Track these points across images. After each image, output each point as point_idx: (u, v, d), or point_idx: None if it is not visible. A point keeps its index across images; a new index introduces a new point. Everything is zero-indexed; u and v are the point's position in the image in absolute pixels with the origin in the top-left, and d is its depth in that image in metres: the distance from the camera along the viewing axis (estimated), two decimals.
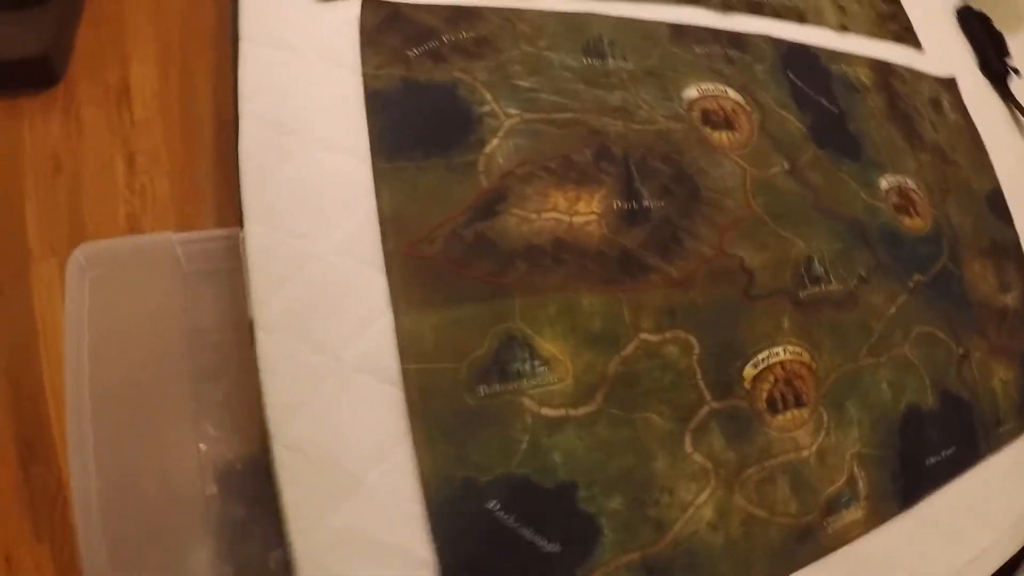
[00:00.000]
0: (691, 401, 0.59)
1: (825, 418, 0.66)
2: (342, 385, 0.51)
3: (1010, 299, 0.92)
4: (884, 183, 0.83)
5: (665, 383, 0.58)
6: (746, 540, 0.58)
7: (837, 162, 0.79)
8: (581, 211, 0.62)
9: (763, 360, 0.64)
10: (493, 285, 0.54)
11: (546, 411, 0.52)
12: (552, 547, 0.49)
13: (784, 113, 0.77)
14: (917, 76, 0.96)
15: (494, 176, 0.59)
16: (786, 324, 0.66)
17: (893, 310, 0.76)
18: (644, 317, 0.60)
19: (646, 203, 0.64)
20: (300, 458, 0.49)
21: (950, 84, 1.01)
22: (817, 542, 0.62)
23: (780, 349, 0.65)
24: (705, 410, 0.60)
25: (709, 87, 0.73)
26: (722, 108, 0.73)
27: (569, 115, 0.65)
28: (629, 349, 0.58)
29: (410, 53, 0.63)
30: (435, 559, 0.47)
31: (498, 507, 0.48)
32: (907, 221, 0.82)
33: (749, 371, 0.63)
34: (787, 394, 0.64)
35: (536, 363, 0.52)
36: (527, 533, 0.48)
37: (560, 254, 0.59)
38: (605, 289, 0.59)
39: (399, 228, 0.54)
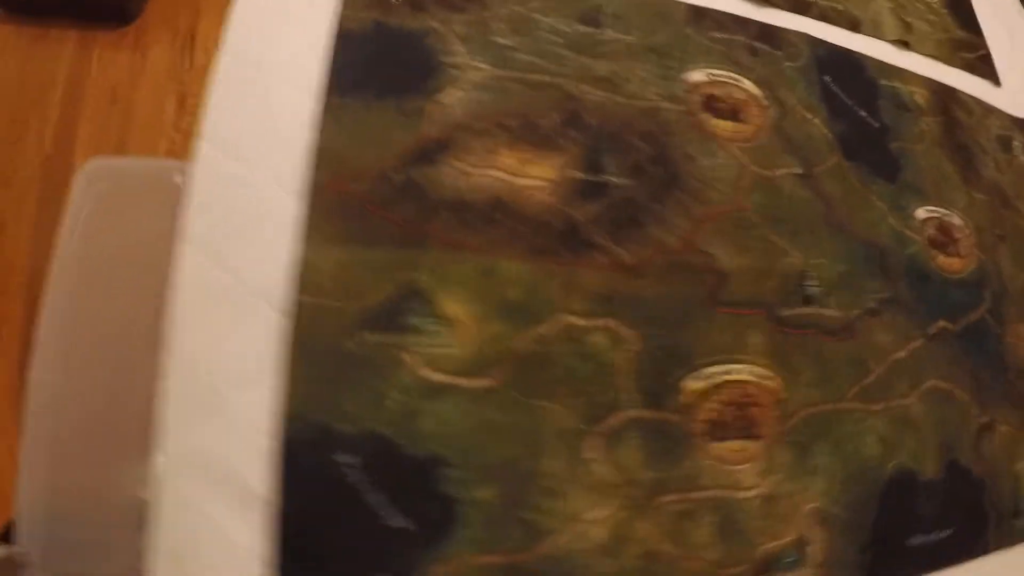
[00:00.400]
0: (608, 401, 0.50)
1: (783, 459, 0.55)
2: (238, 306, 0.49)
3: None
4: (922, 212, 0.70)
5: (582, 374, 0.50)
6: None
7: (866, 178, 0.67)
8: (531, 174, 0.54)
9: (714, 375, 0.54)
10: (409, 232, 0.48)
11: (432, 374, 0.45)
12: (402, 522, 0.42)
13: (809, 115, 0.67)
14: (986, 109, 0.82)
15: (444, 125, 0.53)
16: (756, 341, 0.56)
17: (903, 354, 0.63)
18: (575, 298, 0.51)
19: (610, 178, 0.56)
20: (185, 371, 0.46)
21: None
22: None
23: (742, 368, 0.55)
24: (624, 415, 0.51)
25: (719, 73, 0.64)
26: (731, 97, 0.63)
27: (545, 77, 0.58)
28: (548, 328, 0.50)
29: None
30: (275, 501, 0.42)
31: (353, 463, 0.42)
32: (942, 259, 0.69)
33: (693, 384, 0.53)
34: (737, 420, 0.54)
35: (434, 321, 0.46)
36: (378, 499, 0.42)
37: (494, 214, 0.52)
38: (536, 259, 0.51)
39: (332, 163, 0.50)
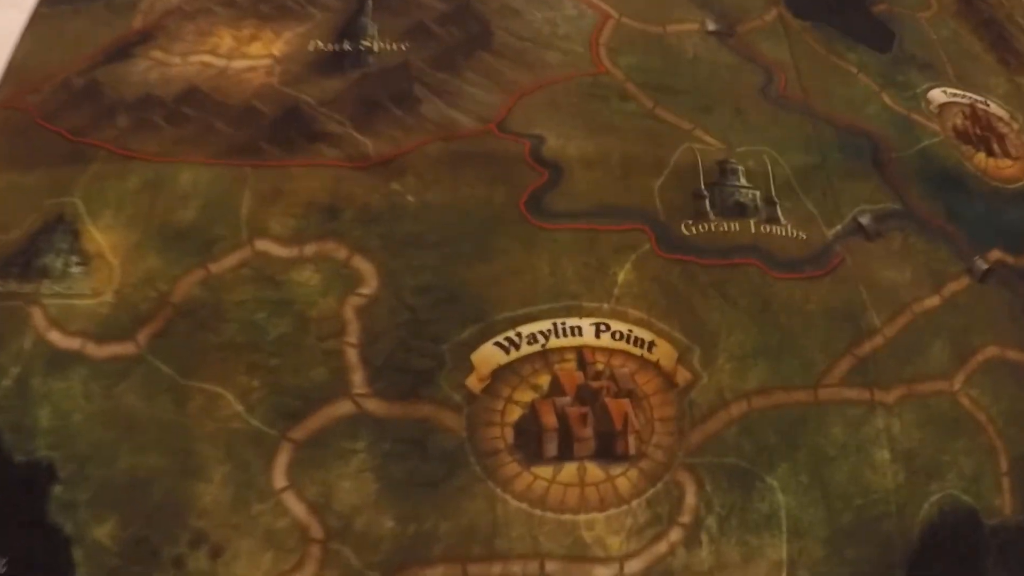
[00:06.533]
0: (316, 385, 0.24)
1: (691, 501, 0.24)
2: None
3: None
4: (938, 95, 0.39)
5: (271, 335, 0.24)
6: None
7: (836, 43, 0.38)
8: (250, 54, 0.31)
9: (531, 340, 0.25)
10: (73, 144, 0.31)
11: (56, 337, 0.25)
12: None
13: None
14: None
15: (155, 14, 0.35)
16: (624, 277, 0.26)
17: (935, 301, 0.31)
18: (278, 213, 0.27)
19: (368, 43, 0.30)
20: None
21: None
22: None
23: (588, 324, 0.25)
24: (342, 411, 0.24)
25: None
26: None
27: None
28: (228, 261, 0.26)
29: None
30: None
31: None
32: (980, 159, 0.37)
33: (490, 354, 0.24)
34: (578, 422, 0.24)
35: (73, 259, 0.27)
36: None
37: (183, 107, 0.29)
38: (227, 160, 0.27)
39: (19, 76, 0.34)
